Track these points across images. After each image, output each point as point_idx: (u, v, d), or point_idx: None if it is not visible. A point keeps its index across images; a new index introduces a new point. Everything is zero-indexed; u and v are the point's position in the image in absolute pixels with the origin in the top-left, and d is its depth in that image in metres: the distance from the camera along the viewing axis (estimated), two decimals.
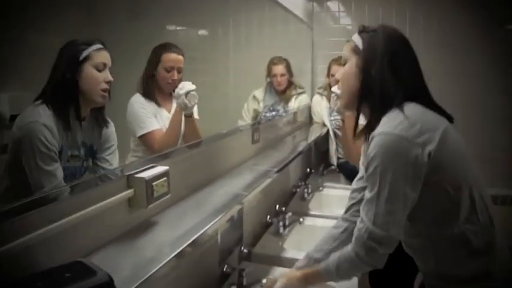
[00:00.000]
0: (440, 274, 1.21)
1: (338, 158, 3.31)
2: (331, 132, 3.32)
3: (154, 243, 1.08)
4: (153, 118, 1.72)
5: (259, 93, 3.15)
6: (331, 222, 1.88)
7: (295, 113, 3.30)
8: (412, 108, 1.13)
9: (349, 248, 1.20)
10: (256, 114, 3.12)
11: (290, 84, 3.26)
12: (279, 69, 3.14)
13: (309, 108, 3.65)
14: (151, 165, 1.20)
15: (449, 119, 1.20)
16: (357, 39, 1.23)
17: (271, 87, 3.24)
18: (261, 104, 3.15)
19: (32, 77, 1.17)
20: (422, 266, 1.29)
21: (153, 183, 1.10)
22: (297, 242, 1.98)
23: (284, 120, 3.11)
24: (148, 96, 1.72)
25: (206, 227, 1.15)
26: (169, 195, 1.18)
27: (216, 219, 1.22)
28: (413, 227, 1.20)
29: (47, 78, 1.14)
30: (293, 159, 2.25)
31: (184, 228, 1.15)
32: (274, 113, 3.24)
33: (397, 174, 1.07)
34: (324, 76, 3.58)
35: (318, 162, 3.33)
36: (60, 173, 1.12)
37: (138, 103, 1.71)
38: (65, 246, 0.90)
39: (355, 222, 1.20)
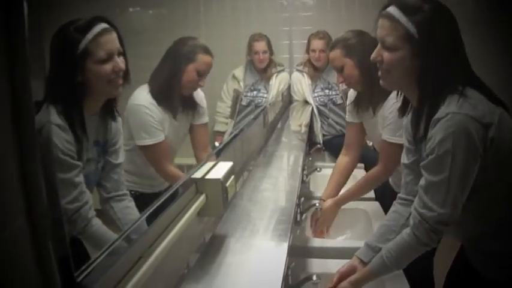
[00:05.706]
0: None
1: (323, 135, 3.25)
2: (315, 110, 3.24)
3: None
4: (160, 127, 1.43)
5: (239, 72, 2.97)
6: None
7: (282, 94, 3.16)
8: (471, 92, 1.10)
9: (404, 236, 1.17)
10: (237, 94, 2.96)
11: (270, 62, 3.12)
12: (261, 46, 2.97)
13: (289, 87, 3.52)
14: (207, 162, 1.03)
15: (503, 105, 1.14)
16: (406, 23, 1.10)
17: (251, 66, 3.08)
18: (242, 84, 2.98)
19: None
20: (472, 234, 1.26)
21: (226, 185, 0.94)
22: None
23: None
24: (161, 101, 1.41)
25: None
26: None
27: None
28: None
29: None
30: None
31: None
32: (255, 92, 3.10)
33: (468, 154, 1.05)
34: (301, 53, 3.45)
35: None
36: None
37: (145, 107, 1.39)
38: None
39: None
